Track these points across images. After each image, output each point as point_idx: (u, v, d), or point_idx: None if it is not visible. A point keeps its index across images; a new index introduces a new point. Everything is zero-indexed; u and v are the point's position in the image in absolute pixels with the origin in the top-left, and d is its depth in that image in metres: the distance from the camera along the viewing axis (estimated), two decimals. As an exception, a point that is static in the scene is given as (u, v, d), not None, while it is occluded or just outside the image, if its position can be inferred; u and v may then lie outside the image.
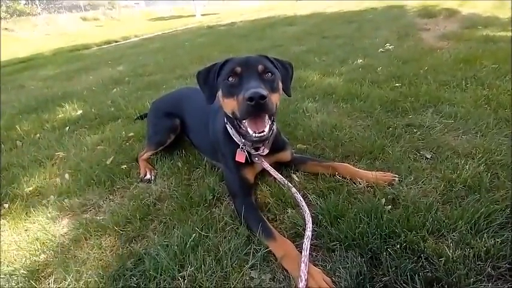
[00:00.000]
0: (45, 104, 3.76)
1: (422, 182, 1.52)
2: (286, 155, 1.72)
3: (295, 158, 1.77)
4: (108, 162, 2.13)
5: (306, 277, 1.06)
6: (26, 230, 1.62)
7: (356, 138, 2.01)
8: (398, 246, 1.13)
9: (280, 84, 1.44)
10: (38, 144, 2.61)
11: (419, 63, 3.36)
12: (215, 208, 1.55)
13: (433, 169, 1.62)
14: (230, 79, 1.34)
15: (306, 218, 1.32)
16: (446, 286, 1.00)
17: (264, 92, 1.19)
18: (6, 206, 1.83)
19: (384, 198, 1.41)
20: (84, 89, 4.39)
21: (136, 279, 1.18)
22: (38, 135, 2.85)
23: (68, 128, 2.92)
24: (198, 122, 1.91)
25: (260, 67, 1.35)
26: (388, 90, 2.75)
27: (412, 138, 1.92)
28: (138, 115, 2.83)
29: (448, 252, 1.10)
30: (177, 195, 1.66)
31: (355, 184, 1.57)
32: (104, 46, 10.14)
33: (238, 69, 1.34)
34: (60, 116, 3.27)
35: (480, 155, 1.64)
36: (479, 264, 1.06)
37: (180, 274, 1.16)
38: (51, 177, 2.09)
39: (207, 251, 1.26)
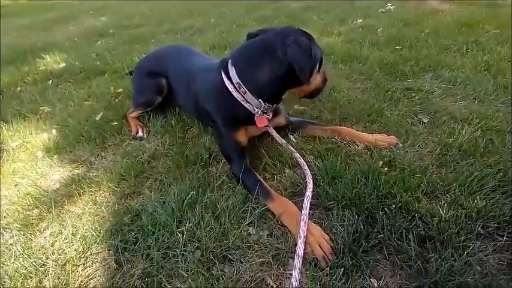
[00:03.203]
0: (24, 55, 3.54)
1: (418, 146, 1.55)
2: (281, 119, 1.69)
3: (292, 121, 1.75)
4: (97, 119, 2.06)
5: (305, 234, 1.09)
6: (15, 185, 1.59)
7: (354, 100, 1.99)
8: (393, 206, 1.17)
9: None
10: (20, 98, 2.50)
11: (421, 26, 3.27)
12: (212, 167, 1.55)
13: (429, 133, 1.64)
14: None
15: (307, 179, 1.33)
16: (438, 243, 1.05)
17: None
18: (-7, 161, 1.78)
19: (381, 161, 1.43)
20: (66, 40, 4.13)
21: (135, 234, 1.19)
22: (19, 88, 2.71)
23: (51, 81, 2.78)
24: (183, 82, 1.79)
25: None
26: (388, 52, 2.69)
27: (410, 102, 1.92)
28: (128, 71, 2.70)
29: (441, 212, 1.14)
30: (172, 153, 1.64)
31: (353, 146, 1.58)
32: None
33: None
34: (41, 68, 3.10)
35: (477, 121, 1.66)
36: (470, 223, 1.11)
37: (179, 229, 1.18)
38: (37, 133, 2.02)
39: (204, 208, 1.27)
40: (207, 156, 1.59)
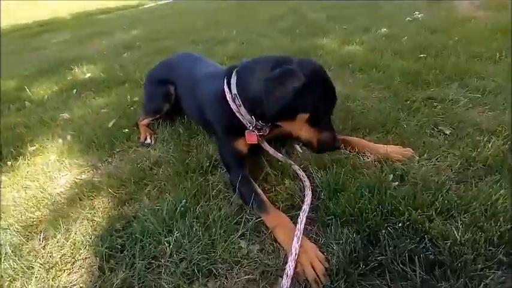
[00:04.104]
0: (56, 67, 3.76)
1: (436, 159, 1.40)
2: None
3: None
4: (109, 126, 2.10)
5: (297, 251, 1.00)
6: (25, 188, 1.64)
7: (369, 110, 1.87)
8: (400, 225, 1.05)
9: None
10: (45, 106, 2.63)
11: (450, 34, 3.07)
12: (211, 175, 1.50)
13: (450, 146, 1.49)
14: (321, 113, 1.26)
15: (305, 192, 1.25)
16: (449, 271, 0.91)
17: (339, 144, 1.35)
18: (9, 163, 1.86)
19: (391, 174, 1.30)
20: (96, 53, 4.36)
21: (123, 241, 1.16)
22: (46, 96, 2.86)
23: (75, 90, 2.91)
24: (188, 89, 1.79)
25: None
26: (412, 61, 2.53)
27: (431, 112, 1.76)
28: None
29: (456, 235, 1.00)
30: (173, 160, 1.61)
31: (363, 158, 1.46)
32: (120, 11, 10.02)
33: (331, 109, 1.32)
34: (69, 78, 3.27)
35: (506, 133, 1.48)
36: (490, 249, 0.96)
37: (167, 239, 1.13)
38: (54, 138, 2.09)
39: (196, 217, 1.21)
40: (208, 164, 1.55)
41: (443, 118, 1.71)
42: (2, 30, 7.96)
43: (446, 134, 1.59)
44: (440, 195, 1.16)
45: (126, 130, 2.04)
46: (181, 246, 1.10)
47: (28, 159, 1.89)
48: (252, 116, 1.36)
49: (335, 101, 1.32)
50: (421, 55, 2.61)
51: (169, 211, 1.24)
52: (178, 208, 1.24)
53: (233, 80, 1.39)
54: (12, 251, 1.15)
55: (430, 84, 2.10)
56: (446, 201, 1.13)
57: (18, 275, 1.08)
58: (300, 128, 1.28)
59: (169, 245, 1.11)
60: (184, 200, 1.26)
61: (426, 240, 1.00)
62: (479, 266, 0.91)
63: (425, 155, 1.42)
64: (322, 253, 1.03)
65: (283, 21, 4.92)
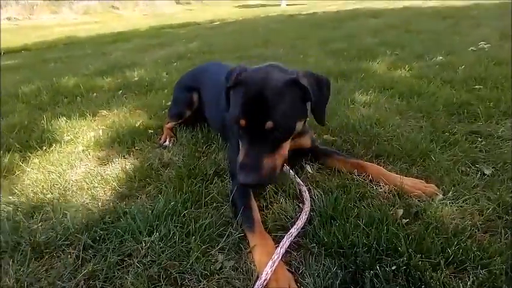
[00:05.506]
0: (112, 70, 4.14)
1: (464, 201, 1.20)
2: (305, 141, 1.52)
3: (317, 147, 1.57)
4: (136, 125, 2.21)
5: (267, 277, 0.91)
6: (48, 172, 1.76)
7: (398, 137, 1.70)
8: (393, 268, 0.89)
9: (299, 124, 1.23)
10: (90, 102, 2.88)
11: (517, 67, 2.72)
12: (212, 184, 1.46)
13: (487, 188, 1.27)
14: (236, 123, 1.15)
15: (301, 215, 1.15)
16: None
17: (256, 179, 1.06)
18: (44, 148, 2.03)
19: (402, 209, 1.14)
20: (151, 60, 4.71)
21: (106, 234, 1.17)
22: (95, 94, 3.14)
23: (120, 91, 3.15)
24: (212, 95, 1.82)
25: (268, 124, 1.08)
26: (463, 91, 2.28)
27: (471, 148, 1.54)
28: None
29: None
30: (180, 164, 1.62)
31: (376, 187, 1.32)
32: (186, 27, 10.82)
33: (243, 122, 1.11)
34: (119, 80, 3.56)
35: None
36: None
37: (145, 239, 1.11)
38: (87, 131, 2.26)
39: (181, 222, 1.18)
40: (212, 172, 1.53)
41: (485, 156, 1.48)
42: (87, 38, 9.16)
43: (485, 175, 1.37)
44: (456, 242, 0.98)
45: (151, 131, 2.12)
46: (156, 250, 1.07)
47: (60, 147, 2.05)
48: None
49: (246, 115, 1.11)
50: (476, 86, 2.34)
51: (157, 212, 1.23)
52: (166, 210, 1.22)
53: None
54: (9, 227, 1.22)
55: (479, 117, 1.85)
56: (461, 251, 0.95)
57: (7, 249, 1.14)
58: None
59: (145, 245, 1.08)
60: (173, 203, 1.24)
61: (422, 291, 0.84)
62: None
63: (450, 194, 1.23)
64: (298, 286, 0.91)
65: (334, 43, 4.85)
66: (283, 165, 1.22)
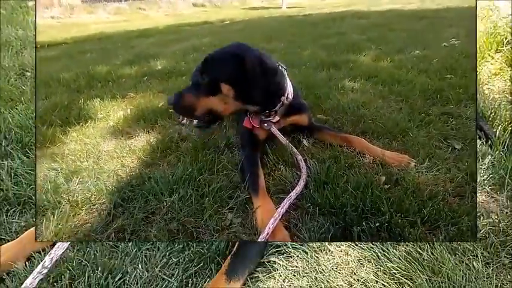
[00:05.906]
0: (139, 60, 3.98)
1: (438, 171, 1.15)
2: (303, 118, 1.45)
3: (313, 124, 1.50)
4: (159, 105, 2.14)
5: (269, 231, 0.87)
6: (84, 144, 1.71)
7: (381, 117, 1.63)
8: (377, 225, 0.85)
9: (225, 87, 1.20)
10: (120, 86, 2.79)
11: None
12: (223, 155, 1.41)
13: (457, 160, 1.21)
14: None
15: (300, 182, 1.10)
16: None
17: (174, 99, 1.28)
18: (81, 124, 1.97)
19: (384, 176, 1.09)
20: (171, 52, 4.55)
21: (134, 195, 1.13)
22: (124, 80, 3.04)
23: (146, 77, 3.04)
24: None
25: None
26: (437, 79, 2.17)
27: (444, 126, 1.47)
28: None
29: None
30: (196, 138, 1.57)
31: (362, 158, 1.26)
32: (201, 25, 10.41)
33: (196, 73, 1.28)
34: (144, 68, 3.44)
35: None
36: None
37: (166, 199, 1.08)
38: (118, 110, 2.19)
39: (197, 186, 1.14)
40: (223, 144, 1.47)
41: (456, 133, 1.41)
42: (117, 34, 8.84)
43: (456, 149, 1.30)
44: (430, 204, 0.93)
45: (171, 111, 2.05)
46: (175, 208, 1.03)
47: (94, 123, 1.99)
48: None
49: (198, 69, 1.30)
50: (448, 75, 2.22)
51: (176, 177, 1.19)
52: (183, 176, 1.18)
53: None
54: (51, 188, 1.19)
55: (450, 101, 1.76)
56: (435, 211, 0.91)
57: (49, 207, 1.11)
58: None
59: (166, 204, 1.05)
60: (190, 170, 1.20)
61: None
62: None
63: (425, 164, 1.17)
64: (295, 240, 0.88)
65: (327, 39, 4.64)
66: (206, 115, 1.27)
